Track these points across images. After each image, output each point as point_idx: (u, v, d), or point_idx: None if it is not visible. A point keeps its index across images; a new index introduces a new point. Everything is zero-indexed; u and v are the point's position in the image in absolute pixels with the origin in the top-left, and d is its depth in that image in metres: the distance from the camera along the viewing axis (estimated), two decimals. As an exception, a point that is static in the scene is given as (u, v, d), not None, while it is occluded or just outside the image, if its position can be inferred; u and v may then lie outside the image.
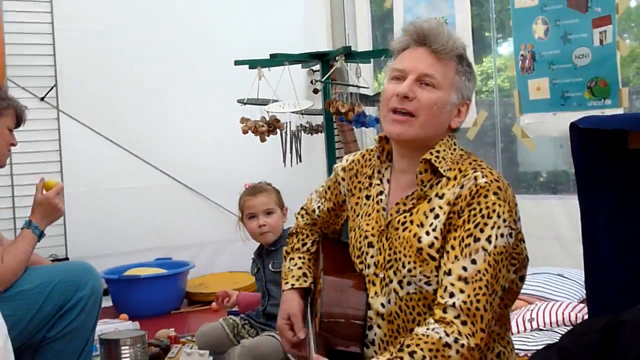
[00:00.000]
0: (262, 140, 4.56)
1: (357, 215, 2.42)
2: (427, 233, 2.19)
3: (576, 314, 3.67)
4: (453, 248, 2.12)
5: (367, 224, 2.36)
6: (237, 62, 4.57)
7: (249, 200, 3.68)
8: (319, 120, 4.84)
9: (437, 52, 2.19)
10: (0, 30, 4.85)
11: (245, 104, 4.62)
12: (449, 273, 2.11)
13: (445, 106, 2.22)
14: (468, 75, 2.28)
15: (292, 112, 4.59)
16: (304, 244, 2.66)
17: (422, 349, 2.03)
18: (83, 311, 2.97)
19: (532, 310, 3.75)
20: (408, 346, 2.05)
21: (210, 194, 5.56)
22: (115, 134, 5.23)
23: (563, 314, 3.70)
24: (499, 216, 2.11)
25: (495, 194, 2.14)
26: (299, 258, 2.63)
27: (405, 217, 2.25)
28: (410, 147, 2.27)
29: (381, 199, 2.34)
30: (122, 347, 3.41)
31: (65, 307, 2.95)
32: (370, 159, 2.45)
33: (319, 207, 2.62)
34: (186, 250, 5.42)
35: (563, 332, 3.51)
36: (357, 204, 2.44)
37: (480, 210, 2.12)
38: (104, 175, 5.19)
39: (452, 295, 2.07)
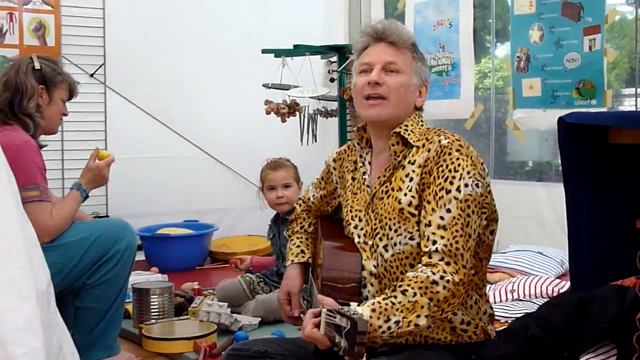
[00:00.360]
0: (283, 121, 4.57)
1: (347, 195, 2.47)
2: (405, 194, 2.24)
3: (553, 288, 3.68)
4: (429, 202, 2.18)
5: (355, 201, 2.41)
6: (264, 51, 4.57)
7: (270, 174, 3.70)
8: (333, 105, 4.84)
9: (395, 43, 2.28)
10: (58, 14, 4.86)
11: (269, 88, 4.62)
12: (429, 224, 2.16)
13: (409, 87, 2.31)
14: (422, 60, 2.36)
15: (310, 97, 4.58)
16: (302, 227, 2.72)
17: (412, 288, 2.07)
18: (119, 263, 2.98)
19: (513, 282, 3.77)
20: (400, 286, 2.10)
21: (234, 165, 5.55)
22: (154, 108, 5.23)
23: (541, 287, 3.71)
24: (463, 169, 2.18)
25: (457, 150, 2.20)
26: (298, 239, 2.70)
27: (386, 186, 2.31)
28: (386, 127, 2.33)
29: (365, 179, 2.40)
30: (152, 296, 3.44)
31: (104, 258, 2.95)
32: (353, 149, 2.50)
33: (313, 195, 2.68)
34: (211, 214, 5.41)
35: (540, 303, 3.52)
36: (346, 186, 2.49)
37: (447, 166, 2.19)
38: (143, 144, 5.18)
39: (434, 242, 2.13)
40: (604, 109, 4.49)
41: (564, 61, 4.67)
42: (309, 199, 2.70)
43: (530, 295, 3.64)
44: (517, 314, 3.33)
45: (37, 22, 4.84)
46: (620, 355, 2.59)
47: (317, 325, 2.04)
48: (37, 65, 3.01)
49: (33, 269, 1.88)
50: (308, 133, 4.61)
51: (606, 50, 4.50)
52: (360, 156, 2.45)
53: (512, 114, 5.02)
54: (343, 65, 4.44)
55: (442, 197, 2.16)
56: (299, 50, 4.52)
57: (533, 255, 4.19)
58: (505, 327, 2.97)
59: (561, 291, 3.67)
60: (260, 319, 3.45)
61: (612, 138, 2.21)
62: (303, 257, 2.62)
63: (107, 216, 4.92)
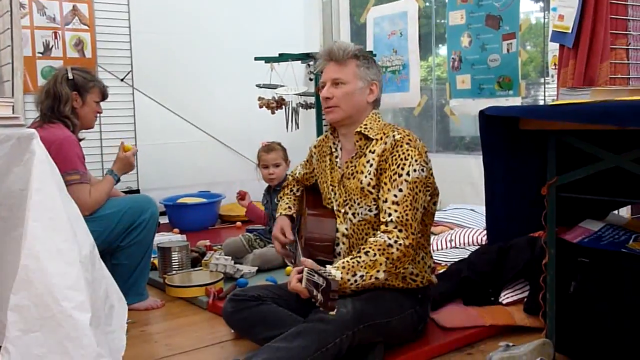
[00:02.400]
0: (272, 113, 4.52)
1: (325, 173, 2.51)
2: (366, 177, 2.30)
3: (482, 238, 3.67)
4: (385, 184, 2.23)
5: (331, 178, 2.46)
6: (256, 58, 4.50)
7: (263, 155, 3.69)
8: (312, 99, 4.78)
9: (338, 60, 2.33)
10: (93, 32, 4.77)
11: (261, 87, 4.56)
12: (385, 201, 2.21)
13: (354, 92, 2.33)
14: (367, 65, 2.37)
15: (293, 94, 4.52)
16: (291, 190, 2.78)
17: (373, 249, 2.14)
18: (145, 228, 2.94)
19: (452, 234, 3.77)
20: (363, 249, 2.16)
21: (236, 147, 5.50)
22: (172, 104, 5.15)
23: (473, 237, 3.70)
24: (412, 157, 2.22)
25: (407, 143, 2.25)
26: (287, 199, 2.75)
27: (351, 169, 2.37)
28: (345, 124, 2.39)
29: (337, 161, 2.45)
30: (172, 253, 3.40)
31: (133, 226, 2.92)
32: (328, 138, 2.54)
33: (299, 172, 2.74)
34: (219, 185, 5.36)
35: (472, 250, 3.52)
36: (324, 165, 2.52)
37: (399, 155, 2.23)
38: (164, 133, 5.12)
39: (390, 215, 2.18)
40: (519, 98, 4.49)
41: (487, 61, 4.64)
42: (297, 174, 2.76)
43: (464, 243, 3.64)
44: (455, 259, 3.33)
45: (76, 38, 4.74)
46: (532, 290, 2.59)
47: (300, 280, 2.05)
48: (70, 76, 2.94)
49: (77, 239, 1.84)
50: (292, 122, 4.56)
51: (520, 52, 4.47)
52: (334, 143, 2.50)
53: (449, 102, 4.99)
54: (318, 69, 4.36)
55: (396, 179, 2.20)
56: (283, 57, 4.45)
57: (467, 212, 4.19)
58: (444, 270, 2.96)
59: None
60: (257, 268, 3.42)
61: (522, 125, 2.20)
62: (290, 211, 2.69)
63: (138, 190, 4.87)
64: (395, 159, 2.23)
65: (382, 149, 2.27)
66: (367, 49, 5.56)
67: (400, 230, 2.15)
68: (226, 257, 3.38)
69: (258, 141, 5.01)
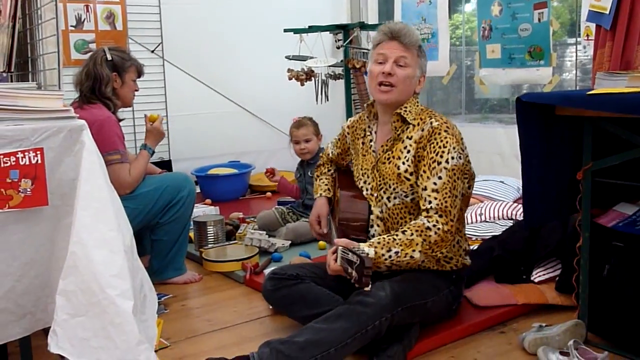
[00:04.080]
0: (302, 84, 4.53)
1: (357, 156, 2.51)
2: (403, 163, 2.31)
3: (511, 211, 3.68)
4: (424, 172, 2.24)
5: (364, 162, 2.47)
6: (285, 30, 4.49)
7: (294, 131, 3.72)
8: (340, 70, 4.77)
9: (406, 44, 2.32)
10: (124, 5, 4.78)
11: (290, 59, 4.56)
12: (425, 188, 2.23)
13: (413, 78, 2.35)
14: (424, 57, 2.40)
15: (323, 66, 4.52)
16: (328, 170, 2.80)
17: (410, 229, 2.18)
18: (183, 206, 3.01)
19: (481, 207, 3.76)
20: (401, 229, 2.20)
21: (265, 117, 5.53)
22: (202, 75, 5.18)
23: (503, 210, 3.70)
24: (450, 145, 2.23)
25: (445, 131, 2.26)
26: (326, 179, 2.76)
27: (388, 154, 2.37)
28: (391, 107, 2.38)
29: (372, 145, 2.46)
30: (208, 227, 3.48)
31: (171, 203, 2.98)
32: (364, 119, 2.55)
33: (332, 152, 2.75)
34: (248, 155, 5.42)
35: (502, 224, 3.55)
36: (357, 148, 2.54)
37: (437, 143, 2.24)
38: (194, 104, 5.15)
39: (430, 202, 2.21)
40: (550, 68, 4.45)
41: (518, 30, 4.58)
42: (329, 154, 2.78)
43: (494, 217, 3.64)
44: (485, 233, 3.36)
45: (108, 11, 4.76)
46: (564, 269, 2.63)
47: (336, 260, 2.11)
48: (108, 57, 2.98)
49: (120, 229, 1.91)
50: (321, 94, 4.57)
51: (552, 22, 4.41)
52: (369, 126, 2.51)
53: (479, 72, 4.95)
54: (348, 40, 4.37)
55: (435, 167, 2.21)
56: (313, 29, 4.44)
57: (496, 184, 4.16)
58: (475, 247, 2.99)
59: (517, 213, 3.68)
60: (290, 241, 3.48)
61: (558, 111, 2.21)
62: (329, 193, 2.71)
63: (170, 160, 4.94)
64: (434, 147, 2.23)
65: (419, 136, 2.28)
66: (396, 18, 5.52)
67: (440, 216, 2.17)
68: (260, 231, 3.45)
69: (287, 111, 5.05)
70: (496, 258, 2.78)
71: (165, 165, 4.75)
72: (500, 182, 4.23)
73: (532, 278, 2.70)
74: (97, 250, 1.82)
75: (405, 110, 2.34)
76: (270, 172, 3.91)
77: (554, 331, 2.25)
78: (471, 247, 2.94)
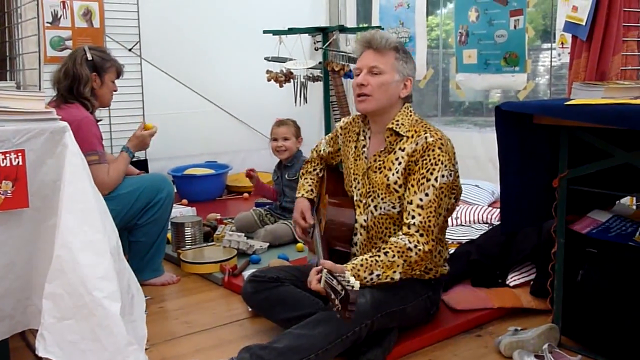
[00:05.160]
0: (281, 86, 4.52)
1: (348, 159, 2.49)
2: (393, 174, 2.29)
3: (487, 215, 3.74)
4: (412, 186, 2.23)
5: (355, 167, 2.45)
6: (265, 31, 4.48)
7: (274, 129, 3.75)
8: (318, 72, 4.78)
9: (378, 49, 2.31)
10: (102, 1, 4.73)
11: (270, 60, 4.56)
12: (410, 202, 2.21)
13: (390, 84, 2.31)
14: (405, 59, 2.35)
15: (302, 68, 4.53)
16: (314, 169, 2.76)
17: (392, 250, 2.17)
18: (161, 207, 3.00)
19: (457, 211, 3.81)
20: (383, 249, 2.19)
21: (242, 117, 5.52)
22: (180, 75, 5.15)
23: (478, 214, 3.77)
24: (442, 163, 2.21)
25: (439, 148, 2.23)
26: (310, 179, 2.74)
27: (379, 164, 2.36)
28: (375, 115, 2.38)
29: (364, 150, 2.44)
30: (186, 228, 3.47)
31: (150, 204, 2.97)
32: (357, 122, 2.53)
33: (324, 149, 2.71)
34: (225, 155, 5.40)
35: (477, 228, 3.60)
36: (349, 151, 2.51)
37: (430, 160, 2.22)
38: (172, 103, 5.11)
39: (413, 217, 2.20)
40: (525, 74, 4.53)
41: (494, 36, 4.66)
42: (320, 150, 2.73)
43: (470, 221, 3.70)
44: (461, 237, 3.41)
45: (85, 8, 4.71)
46: (538, 274, 2.68)
47: (319, 280, 2.08)
48: (89, 57, 2.96)
49: (106, 231, 1.91)
50: (300, 96, 4.58)
51: (527, 28, 4.49)
52: (363, 131, 2.48)
53: (455, 76, 5.01)
54: (327, 43, 4.38)
55: (423, 183, 2.20)
56: (293, 31, 4.45)
57: (471, 188, 4.22)
58: (452, 251, 3.02)
59: (492, 217, 3.74)
60: (268, 243, 3.49)
61: (536, 120, 2.26)
62: (311, 194, 2.68)
63: (145, 160, 4.90)
64: (425, 163, 2.22)
65: (412, 149, 2.25)
66: (373, 21, 5.56)
67: (421, 235, 2.18)
68: (239, 233, 3.44)
69: (265, 113, 5.05)
70: (473, 262, 2.82)
71: (141, 164, 4.71)
72: (476, 185, 4.29)
73: (507, 282, 2.76)
74: (83, 252, 1.82)
75: (398, 124, 2.31)
76: (249, 175, 3.92)
77: (529, 335, 2.30)
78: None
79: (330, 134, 2.70)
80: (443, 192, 2.21)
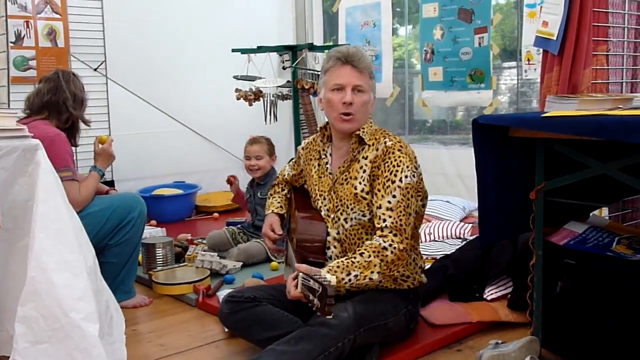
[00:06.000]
0: (250, 104, 4.51)
1: (312, 177, 2.52)
2: (360, 183, 2.32)
3: (459, 230, 3.75)
4: (379, 190, 2.26)
5: (320, 184, 2.47)
6: (233, 50, 4.47)
7: (248, 147, 3.73)
8: (286, 90, 4.77)
9: (360, 69, 2.31)
10: (66, 21, 4.64)
11: (239, 79, 4.54)
12: (379, 207, 2.24)
13: (369, 102, 2.36)
14: (373, 78, 2.40)
15: (272, 87, 4.51)
16: (282, 190, 2.77)
17: (368, 251, 2.18)
18: (133, 227, 2.94)
19: (430, 226, 3.82)
20: (359, 250, 2.20)
21: (210, 137, 5.44)
22: (147, 94, 5.06)
23: (450, 229, 3.78)
24: (404, 164, 2.25)
25: (399, 150, 2.29)
26: (279, 197, 2.74)
27: (345, 175, 2.38)
28: (349, 132, 2.37)
29: (327, 167, 2.46)
30: (157, 249, 3.39)
31: (121, 224, 2.91)
32: (318, 142, 2.54)
33: (288, 173, 2.74)
34: (193, 175, 5.33)
35: (451, 243, 3.60)
36: (311, 170, 2.53)
37: (392, 162, 2.26)
38: (139, 123, 5.01)
39: (384, 220, 2.22)
40: (490, 90, 4.59)
41: (459, 54, 4.71)
42: (285, 174, 2.76)
43: (443, 236, 3.71)
44: (435, 252, 3.40)
45: (49, 27, 4.62)
46: (515, 287, 2.68)
47: (297, 286, 2.07)
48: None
49: (82, 250, 1.84)
50: (270, 114, 4.56)
51: (492, 46, 4.56)
52: (323, 149, 2.49)
53: (421, 94, 5.05)
54: (296, 61, 4.37)
55: (389, 186, 2.23)
56: (262, 49, 4.44)
57: (442, 204, 4.24)
58: (429, 266, 3.01)
59: (464, 232, 3.75)
60: (242, 263, 3.43)
61: (512, 132, 2.26)
62: (281, 210, 2.68)
63: (112, 180, 4.80)
64: (388, 166, 2.26)
65: (374, 155, 2.30)
66: (340, 39, 5.58)
67: (395, 235, 2.19)
68: (212, 253, 3.38)
69: (234, 132, 5.01)
70: (450, 277, 2.81)
71: (108, 185, 4.56)
72: (447, 202, 4.31)
73: (484, 296, 2.75)
74: (58, 273, 1.76)
75: (363, 131, 2.35)
76: (230, 182, 3.87)
77: (510, 348, 2.28)
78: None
79: (293, 158, 2.74)
80: (409, 192, 2.24)
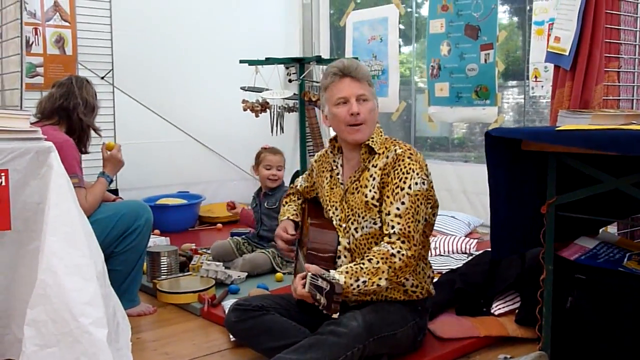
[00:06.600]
0: (257, 116, 4.51)
1: (324, 188, 2.52)
2: (370, 190, 2.32)
3: (464, 245, 3.74)
4: (388, 197, 2.26)
5: (332, 195, 2.47)
6: (241, 61, 4.47)
7: (269, 156, 3.69)
8: (291, 102, 4.77)
9: (359, 79, 2.33)
10: (75, 29, 4.66)
11: (246, 90, 4.54)
12: (388, 213, 2.24)
13: (374, 109, 2.38)
14: (373, 86, 2.41)
15: (279, 98, 4.51)
16: (298, 199, 2.78)
17: (376, 257, 2.17)
18: (139, 235, 2.91)
19: (435, 241, 3.82)
20: (367, 256, 2.20)
21: (215, 148, 5.43)
22: (153, 104, 5.06)
23: (455, 244, 3.78)
24: (414, 171, 2.25)
25: (409, 157, 2.29)
26: (294, 205, 2.75)
27: (355, 184, 2.38)
28: (360, 143, 2.38)
29: (339, 178, 2.46)
30: (162, 258, 3.37)
31: (127, 232, 2.88)
32: (328, 154, 2.55)
33: (301, 184, 2.74)
34: (197, 185, 5.31)
35: (456, 257, 3.59)
36: (323, 182, 2.53)
37: (401, 169, 2.26)
38: (144, 133, 5.00)
39: (393, 227, 2.21)
40: (495, 107, 4.60)
41: (465, 70, 4.73)
42: (298, 186, 2.77)
43: (448, 251, 3.70)
44: (441, 266, 3.39)
45: (57, 35, 4.63)
46: (523, 302, 2.66)
47: (304, 286, 2.07)
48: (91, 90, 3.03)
49: (92, 255, 1.82)
50: (277, 126, 4.55)
51: (497, 62, 4.57)
52: (334, 161, 2.50)
53: (428, 109, 5.05)
54: (304, 74, 4.37)
55: (398, 193, 2.23)
56: (269, 61, 4.44)
57: (448, 219, 4.23)
58: (436, 279, 2.99)
59: (470, 247, 3.74)
60: (247, 273, 3.41)
61: (524, 146, 2.25)
62: (296, 217, 2.68)
63: (117, 189, 4.78)
64: (398, 173, 2.26)
65: (384, 163, 2.30)
66: (347, 54, 5.60)
67: (403, 242, 2.18)
68: (217, 263, 3.36)
69: (239, 143, 4.99)
70: (457, 291, 2.79)
71: (113, 194, 4.58)
72: (452, 217, 4.30)
73: (492, 311, 2.73)
74: (69, 277, 1.74)
75: (373, 141, 2.36)
76: (231, 207, 3.85)
77: (519, 363, 2.26)
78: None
79: (307, 171, 2.74)
80: (419, 199, 2.24)
